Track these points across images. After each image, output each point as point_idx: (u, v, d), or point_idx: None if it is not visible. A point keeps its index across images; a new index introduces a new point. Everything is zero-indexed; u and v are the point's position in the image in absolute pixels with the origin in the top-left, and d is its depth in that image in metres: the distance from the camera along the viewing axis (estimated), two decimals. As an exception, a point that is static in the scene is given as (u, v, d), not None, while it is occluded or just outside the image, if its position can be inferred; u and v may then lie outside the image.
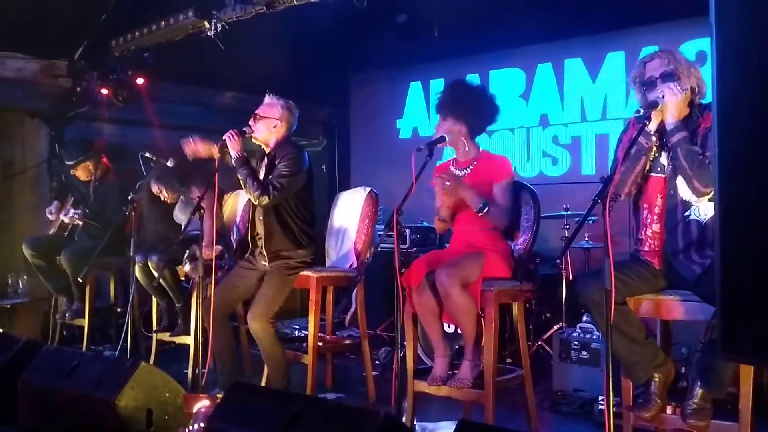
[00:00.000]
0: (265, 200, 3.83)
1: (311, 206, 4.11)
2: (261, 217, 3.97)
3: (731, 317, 1.55)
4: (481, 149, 3.72)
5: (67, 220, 5.44)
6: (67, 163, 5.56)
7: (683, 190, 2.87)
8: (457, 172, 3.66)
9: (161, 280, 4.69)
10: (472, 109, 3.63)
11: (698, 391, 2.74)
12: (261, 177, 3.96)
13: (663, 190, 2.96)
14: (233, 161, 3.93)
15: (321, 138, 7.95)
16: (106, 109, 5.99)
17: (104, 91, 5.72)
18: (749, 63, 1.51)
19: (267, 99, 4.10)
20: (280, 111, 4.03)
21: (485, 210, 3.41)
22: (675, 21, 5.52)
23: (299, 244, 3.98)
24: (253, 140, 4.06)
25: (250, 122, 4.01)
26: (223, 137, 3.90)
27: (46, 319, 5.80)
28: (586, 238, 5.12)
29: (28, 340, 3.42)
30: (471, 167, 3.64)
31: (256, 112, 4.04)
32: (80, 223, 5.36)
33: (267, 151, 4.07)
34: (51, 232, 5.64)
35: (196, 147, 4.12)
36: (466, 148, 3.67)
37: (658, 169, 2.97)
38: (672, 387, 2.95)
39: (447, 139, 3.59)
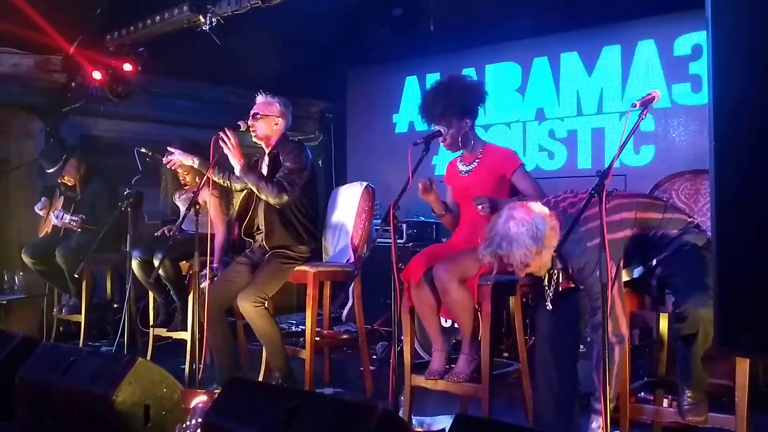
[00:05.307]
0: (285, 198, 3.83)
1: (315, 202, 4.10)
2: (261, 213, 3.96)
3: (729, 311, 1.55)
4: (486, 142, 3.71)
5: (60, 225, 5.30)
6: (48, 171, 5.42)
7: None
8: (463, 167, 3.66)
9: (165, 278, 4.66)
10: (465, 99, 3.59)
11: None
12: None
13: None
14: (237, 172, 3.87)
15: (317, 133, 7.93)
16: (101, 104, 5.97)
17: (96, 74, 5.64)
18: (746, 57, 1.51)
19: (261, 98, 4.08)
20: (279, 108, 4.02)
21: None
22: (671, 14, 5.52)
23: (301, 240, 3.97)
24: (254, 139, 4.04)
25: (250, 121, 3.98)
26: (217, 138, 3.79)
27: (43, 315, 5.78)
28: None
29: (25, 336, 3.40)
30: (477, 161, 3.62)
31: (255, 111, 4.00)
32: (78, 230, 5.22)
33: (267, 149, 4.06)
34: (42, 234, 5.56)
35: (175, 160, 4.17)
36: (472, 143, 3.65)
37: None
38: (670, 382, 2.96)
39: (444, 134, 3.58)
